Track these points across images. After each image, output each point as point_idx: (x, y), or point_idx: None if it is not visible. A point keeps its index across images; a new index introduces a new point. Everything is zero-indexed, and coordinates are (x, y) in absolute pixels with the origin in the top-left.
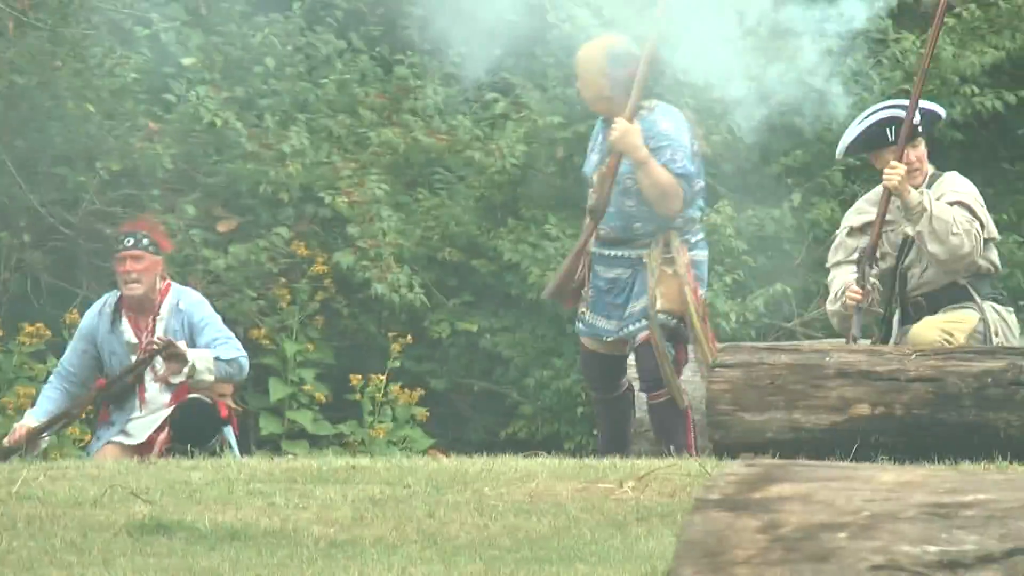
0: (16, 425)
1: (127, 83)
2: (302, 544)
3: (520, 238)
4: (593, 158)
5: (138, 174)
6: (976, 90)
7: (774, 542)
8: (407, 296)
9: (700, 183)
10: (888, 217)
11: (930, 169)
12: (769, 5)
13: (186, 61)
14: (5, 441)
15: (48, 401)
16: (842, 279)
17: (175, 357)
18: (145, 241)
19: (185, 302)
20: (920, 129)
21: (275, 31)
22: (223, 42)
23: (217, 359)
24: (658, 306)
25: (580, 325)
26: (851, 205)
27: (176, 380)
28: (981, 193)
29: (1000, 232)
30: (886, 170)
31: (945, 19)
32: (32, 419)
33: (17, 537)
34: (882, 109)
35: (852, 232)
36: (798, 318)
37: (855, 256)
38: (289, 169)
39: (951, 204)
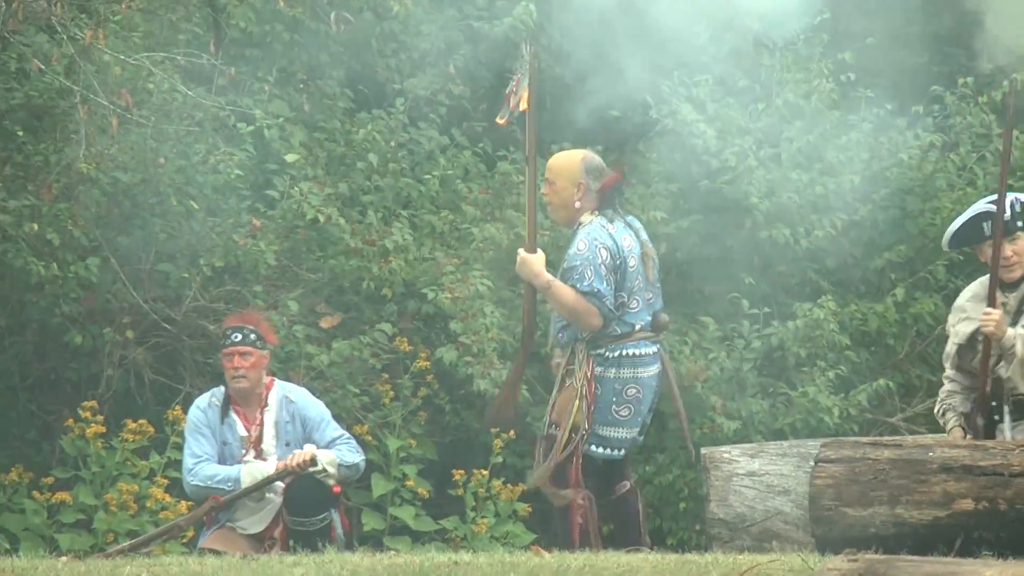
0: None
1: (230, 179)
2: None
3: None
4: None
5: (241, 270)
6: None
7: None
8: None
9: (625, 297)
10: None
11: None
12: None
13: (289, 157)
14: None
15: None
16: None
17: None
18: (252, 336)
19: (295, 395)
20: (1019, 223)
21: (378, 127)
22: (326, 138)
23: (341, 464)
24: (552, 415)
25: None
26: (954, 299)
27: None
28: None
29: None
30: (981, 316)
31: None
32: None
33: None
34: (986, 202)
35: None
36: (901, 413)
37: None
38: (392, 265)
39: None
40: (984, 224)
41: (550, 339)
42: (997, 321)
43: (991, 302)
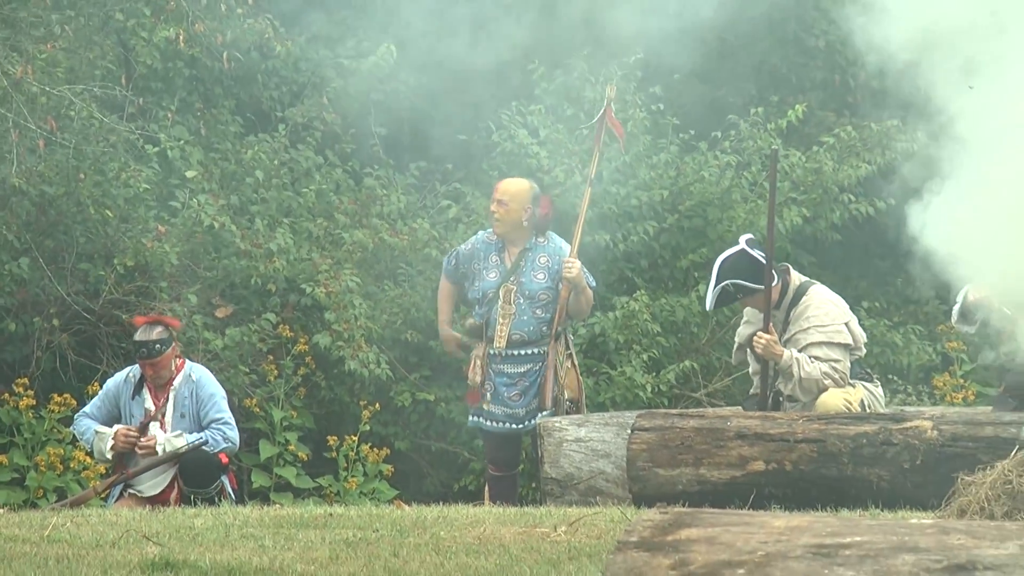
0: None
1: (139, 192)
2: None
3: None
4: (491, 276)
5: (149, 268)
6: (852, 198)
7: None
8: (375, 371)
9: None
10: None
11: (797, 280)
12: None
13: (189, 174)
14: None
15: (93, 429)
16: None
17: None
18: (157, 347)
19: (197, 375)
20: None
21: (263, 148)
22: (220, 157)
23: (189, 445)
24: (564, 394)
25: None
26: None
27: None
28: (856, 284)
29: (872, 316)
30: (755, 339)
31: (826, 138)
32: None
33: (48, 572)
34: (725, 269)
35: (740, 346)
36: (703, 389)
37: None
38: (275, 264)
39: (816, 345)
40: (735, 296)
41: (510, 334)
42: (766, 344)
43: (766, 327)
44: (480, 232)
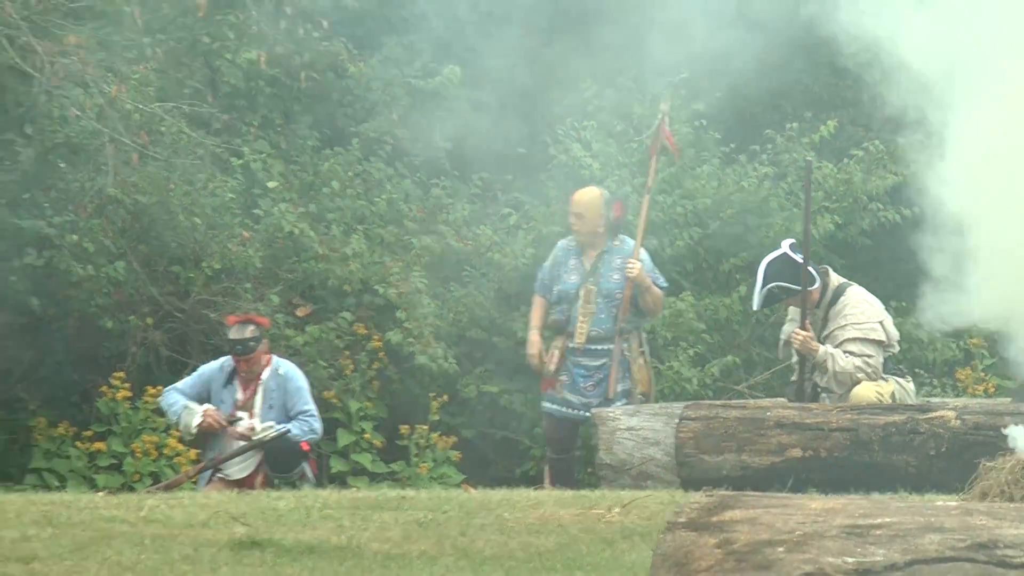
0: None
1: (225, 201)
2: (363, 557)
3: (529, 320)
4: (571, 278)
5: (234, 271)
6: (880, 206)
7: (728, 555)
8: (443, 365)
9: None
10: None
11: (836, 281)
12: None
13: (270, 184)
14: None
15: (182, 403)
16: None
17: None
18: (251, 344)
19: (284, 369)
20: (813, 282)
21: (339, 161)
22: (299, 169)
23: (279, 433)
24: (637, 388)
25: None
26: None
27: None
28: (885, 284)
29: (899, 315)
30: (792, 335)
31: (855, 152)
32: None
33: (144, 551)
34: (770, 272)
35: (786, 342)
36: (745, 382)
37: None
38: (351, 267)
39: (852, 341)
40: (781, 296)
41: (589, 331)
42: (802, 340)
43: (803, 324)
44: (560, 241)
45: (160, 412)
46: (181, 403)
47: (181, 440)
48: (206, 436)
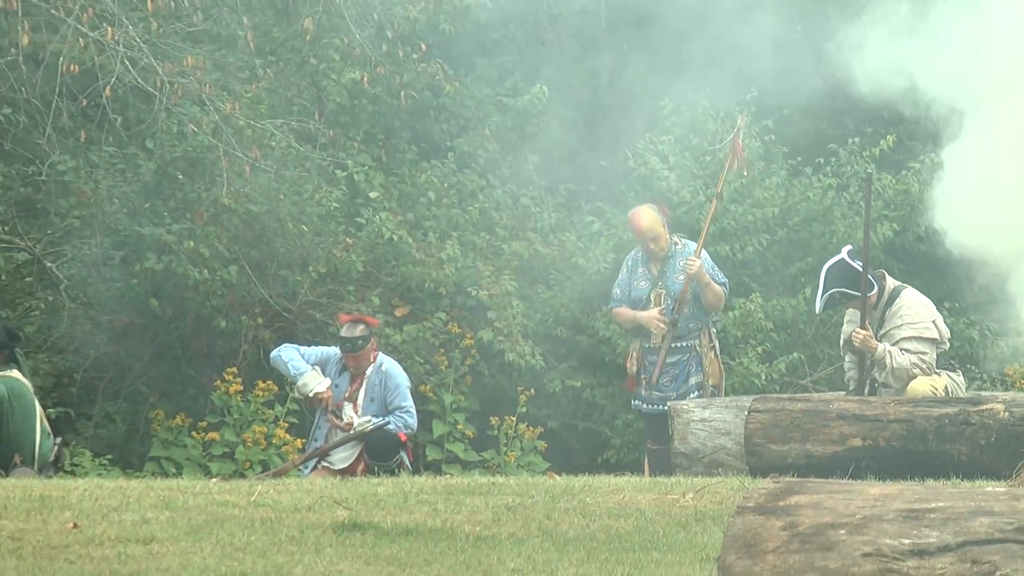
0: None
1: (330, 210)
2: (455, 538)
3: (610, 320)
4: (642, 284)
5: (338, 275)
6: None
7: (793, 537)
8: (530, 361)
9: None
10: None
11: (891, 284)
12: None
13: (372, 194)
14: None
15: (309, 365)
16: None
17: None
18: (360, 343)
19: (388, 366)
20: (871, 287)
21: (435, 173)
22: (398, 180)
23: (376, 426)
24: (709, 381)
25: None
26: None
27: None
28: (939, 288)
29: (952, 315)
30: (853, 335)
31: (913, 164)
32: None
33: (254, 532)
34: (831, 278)
35: (846, 342)
36: (809, 377)
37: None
38: (446, 271)
39: (908, 339)
40: (843, 300)
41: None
42: (862, 339)
43: (863, 324)
44: (628, 254)
45: (272, 360)
46: (307, 364)
47: (288, 378)
48: (312, 407)
